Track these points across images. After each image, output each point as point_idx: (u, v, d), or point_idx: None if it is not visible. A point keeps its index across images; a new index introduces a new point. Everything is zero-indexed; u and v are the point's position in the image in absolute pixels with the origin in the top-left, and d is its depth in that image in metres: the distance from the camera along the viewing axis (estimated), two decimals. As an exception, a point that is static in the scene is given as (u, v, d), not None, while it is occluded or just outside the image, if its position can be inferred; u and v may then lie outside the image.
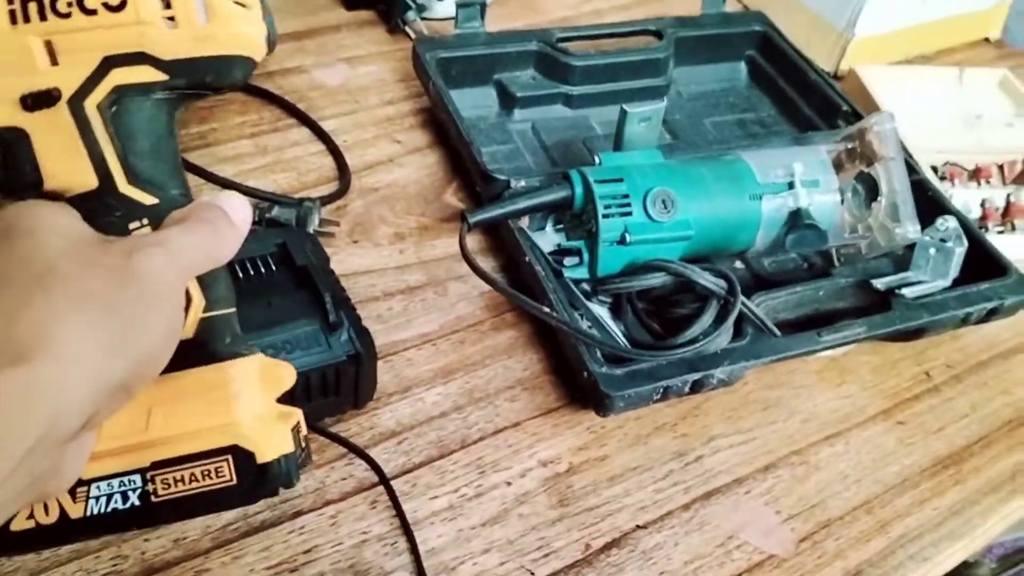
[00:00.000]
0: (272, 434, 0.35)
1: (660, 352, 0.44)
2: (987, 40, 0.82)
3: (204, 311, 0.34)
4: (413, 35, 0.69)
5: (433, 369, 0.48)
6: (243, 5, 0.35)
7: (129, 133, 0.34)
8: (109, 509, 0.34)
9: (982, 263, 0.53)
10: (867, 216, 0.52)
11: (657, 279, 0.46)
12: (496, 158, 0.59)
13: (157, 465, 0.34)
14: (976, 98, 0.72)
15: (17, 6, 0.31)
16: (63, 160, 0.33)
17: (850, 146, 0.52)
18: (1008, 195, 0.61)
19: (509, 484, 0.44)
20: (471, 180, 0.57)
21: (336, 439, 0.44)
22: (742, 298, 0.46)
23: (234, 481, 0.35)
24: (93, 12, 0.32)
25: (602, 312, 0.49)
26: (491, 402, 0.47)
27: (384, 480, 0.43)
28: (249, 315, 0.41)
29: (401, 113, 0.63)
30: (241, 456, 0.34)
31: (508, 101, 0.63)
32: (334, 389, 0.43)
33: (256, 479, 0.35)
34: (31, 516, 0.33)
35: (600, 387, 0.43)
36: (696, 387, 0.45)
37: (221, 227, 0.33)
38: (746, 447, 0.47)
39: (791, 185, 0.50)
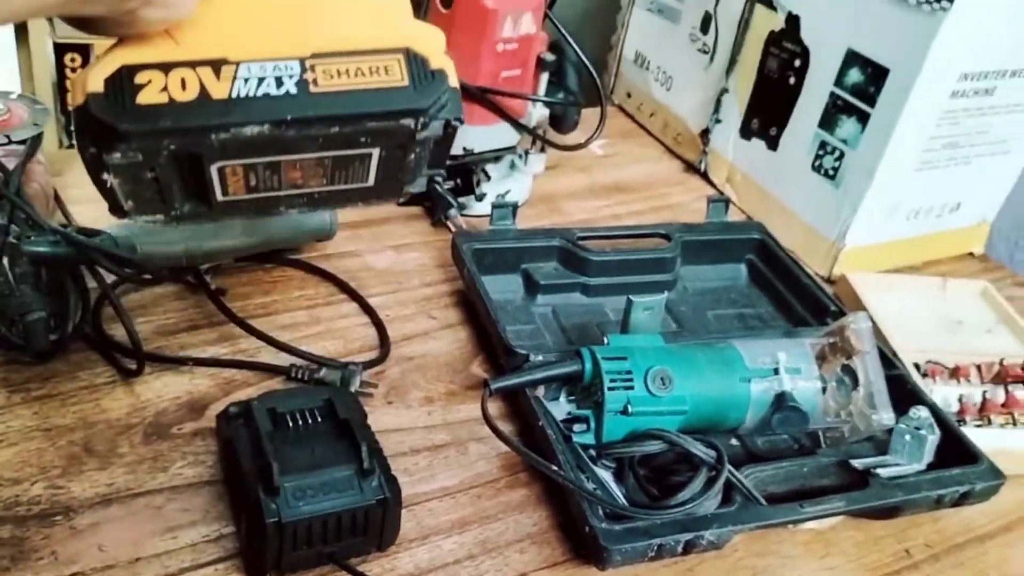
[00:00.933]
0: (441, 51, 0.32)
1: (654, 511, 0.49)
2: (971, 255, 0.90)
3: None
4: (453, 228, 0.78)
5: (451, 520, 0.53)
6: None
7: None
8: (259, 93, 0.30)
9: (956, 451, 0.58)
10: (849, 403, 0.58)
11: (655, 446, 0.52)
12: (520, 336, 0.67)
13: (319, 56, 0.31)
14: (958, 305, 0.79)
15: None
16: None
17: (832, 341, 0.59)
18: (984, 392, 0.67)
19: (514, 628, 0.48)
20: (496, 354, 0.64)
21: (360, 576, 0.49)
22: (729, 467, 0.51)
23: (406, 83, 0.31)
24: None
25: (606, 476, 0.54)
26: (502, 553, 0.52)
27: (401, 617, 0.48)
28: (295, 458, 0.48)
29: (438, 294, 0.72)
30: (413, 59, 0.31)
31: (532, 288, 0.71)
32: (362, 530, 0.48)
33: (429, 83, 0.32)
34: (164, 90, 0.29)
35: (599, 541, 0.48)
36: (688, 547, 0.50)
37: None
38: (734, 608, 0.51)
39: (776, 371, 0.56)
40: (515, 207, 0.72)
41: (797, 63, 0.80)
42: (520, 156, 0.85)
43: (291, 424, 0.51)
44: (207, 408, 0.57)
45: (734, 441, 0.60)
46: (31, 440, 0.53)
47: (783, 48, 0.81)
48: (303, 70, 0.30)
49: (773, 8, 0.82)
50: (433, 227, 0.80)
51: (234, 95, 0.30)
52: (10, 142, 0.64)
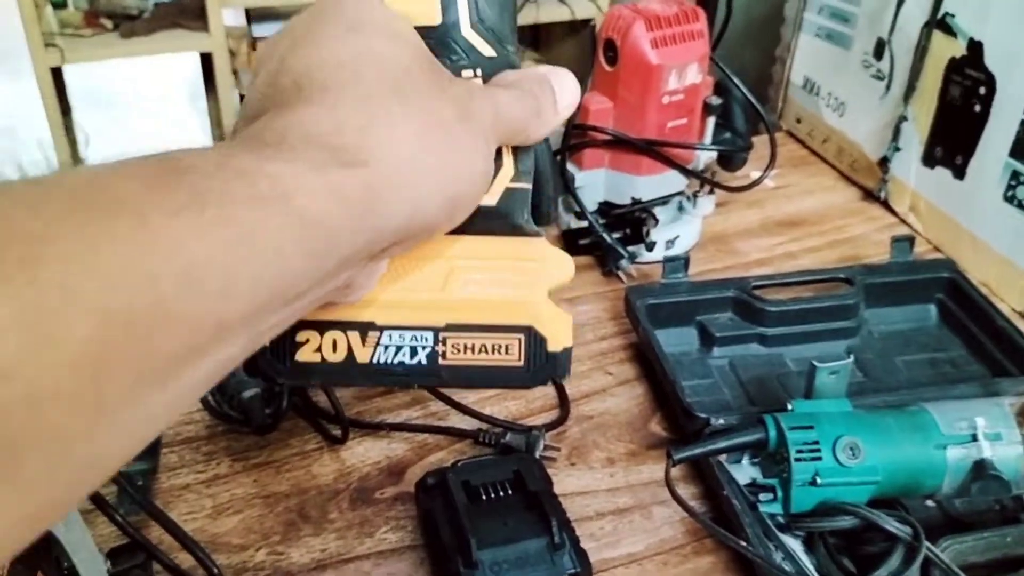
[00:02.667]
0: (562, 323, 0.34)
1: (849, 590, 0.49)
2: None
3: (511, 180, 0.34)
4: (624, 278, 0.80)
5: (639, 587, 0.55)
6: None
7: None
8: (395, 361, 0.33)
9: None
10: (1058, 466, 0.54)
11: (846, 522, 0.51)
12: (697, 391, 0.67)
13: (451, 328, 0.33)
14: None
15: None
16: None
17: (1035, 398, 0.56)
18: None
19: None
20: (674, 412, 0.65)
21: (555, 646, 0.51)
22: (927, 544, 0.50)
23: (521, 363, 0.33)
24: None
25: (795, 545, 0.54)
26: (691, 623, 0.53)
27: None
28: (490, 530, 0.51)
29: (613, 347, 0.73)
30: (533, 339, 0.33)
31: (708, 340, 0.71)
32: (555, 602, 0.51)
33: (541, 366, 0.34)
34: (318, 350, 0.32)
35: (792, 619, 0.48)
36: (885, 626, 0.49)
37: (546, 108, 0.33)
38: None
39: (974, 437, 0.54)
40: (686, 260, 0.73)
41: (982, 90, 0.76)
42: (688, 199, 0.85)
43: (483, 496, 0.53)
44: (405, 472, 0.61)
45: (930, 503, 0.58)
46: (253, 507, 0.59)
47: (966, 75, 0.77)
48: (436, 341, 0.33)
49: (952, 34, 0.78)
50: (604, 277, 0.81)
51: (374, 360, 0.33)
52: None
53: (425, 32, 0.32)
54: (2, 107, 2.85)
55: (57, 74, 1.78)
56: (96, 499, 0.54)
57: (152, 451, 0.62)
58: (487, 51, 0.33)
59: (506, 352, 0.33)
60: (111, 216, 0.21)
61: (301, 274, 0.25)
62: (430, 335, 0.33)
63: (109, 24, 1.76)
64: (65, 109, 1.92)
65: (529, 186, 0.34)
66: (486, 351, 0.33)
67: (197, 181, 0.23)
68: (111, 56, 1.82)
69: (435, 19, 0.32)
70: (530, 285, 0.33)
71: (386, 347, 0.33)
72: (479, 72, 0.33)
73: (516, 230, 0.34)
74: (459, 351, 0.33)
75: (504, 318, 0.33)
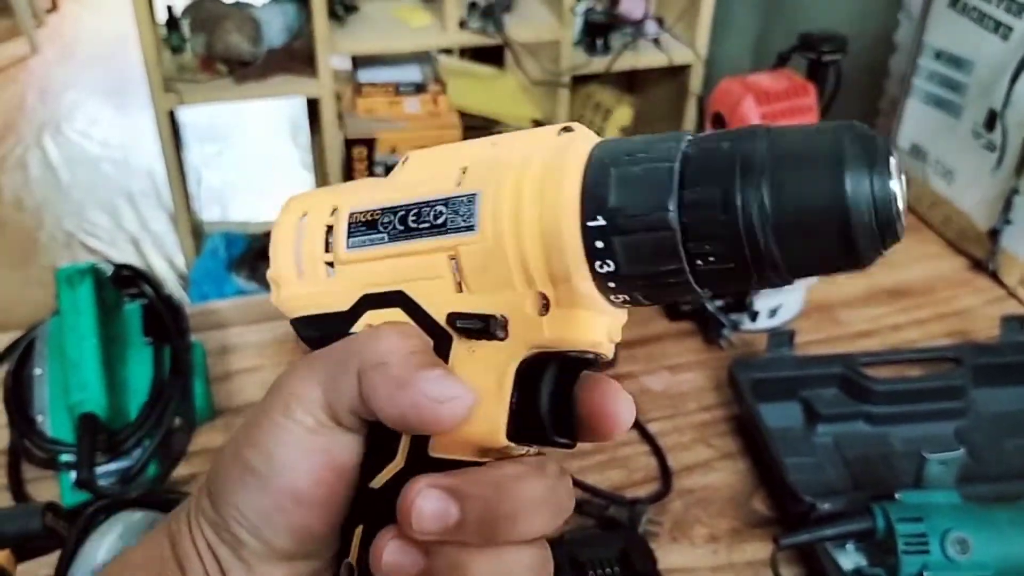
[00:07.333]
0: None
1: None
2: None
3: None
4: (726, 346, 0.80)
5: (742, 671, 0.55)
6: None
7: None
8: None
9: None
10: None
11: (955, 620, 0.51)
12: (801, 469, 0.67)
13: None
14: None
15: None
16: None
17: None
18: None
19: None
20: (777, 489, 0.66)
21: None
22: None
23: None
24: None
25: (901, 638, 0.54)
26: None
27: None
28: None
29: (715, 419, 0.74)
30: None
31: (813, 416, 0.71)
32: None
33: None
34: None
35: None
36: None
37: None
38: None
39: (1093, 538, 0.53)
40: (791, 334, 0.73)
41: (1103, 169, 0.75)
42: (792, 267, 0.85)
43: (591, 572, 0.55)
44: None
45: (1042, 598, 0.57)
46: None
47: (1085, 153, 0.76)
48: None
49: (1072, 111, 0.77)
50: (706, 344, 0.82)
51: None
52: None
53: None
54: (116, 140, 3.01)
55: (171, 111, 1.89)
56: None
57: None
58: None
59: None
60: None
61: None
62: None
63: (224, 69, 1.85)
64: (177, 144, 2.03)
65: None
66: None
67: None
68: (225, 99, 1.91)
69: None
70: None
71: None
72: None
73: None
74: None
75: None
